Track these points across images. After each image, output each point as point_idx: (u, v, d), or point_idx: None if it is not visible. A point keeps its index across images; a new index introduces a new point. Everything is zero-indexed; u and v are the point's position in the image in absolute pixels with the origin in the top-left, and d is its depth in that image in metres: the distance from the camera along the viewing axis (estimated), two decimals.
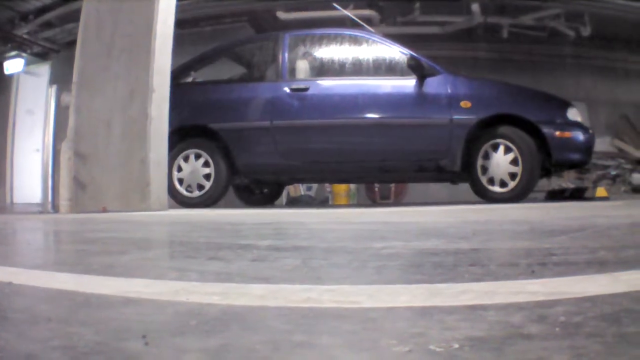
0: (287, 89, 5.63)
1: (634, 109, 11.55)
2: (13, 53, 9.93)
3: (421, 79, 5.46)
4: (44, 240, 2.45)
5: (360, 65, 5.75)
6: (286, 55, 5.79)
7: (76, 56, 5.05)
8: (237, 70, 6.68)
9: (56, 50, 10.03)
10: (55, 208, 4.85)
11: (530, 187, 5.33)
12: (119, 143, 4.82)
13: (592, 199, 5.64)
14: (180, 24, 7.37)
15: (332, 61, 5.90)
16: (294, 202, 8.84)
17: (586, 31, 9.33)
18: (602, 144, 10.55)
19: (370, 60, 5.73)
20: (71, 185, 4.77)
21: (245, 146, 5.68)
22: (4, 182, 10.44)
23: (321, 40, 6.02)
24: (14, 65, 10.07)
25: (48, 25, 9.32)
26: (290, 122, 5.60)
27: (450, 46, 10.23)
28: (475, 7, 8.59)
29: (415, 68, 5.44)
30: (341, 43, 5.95)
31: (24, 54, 9.97)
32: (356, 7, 8.78)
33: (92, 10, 5.10)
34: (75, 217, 4.02)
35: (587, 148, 5.54)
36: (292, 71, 5.78)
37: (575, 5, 8.77)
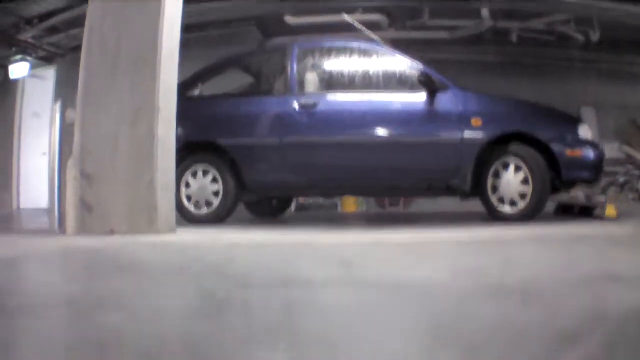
0: (296, 105, 5.59)
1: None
2: (18, 57, 9.87)
3: (432, 94, 5.42)
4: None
5: (370, 79, 5.70)
6: (295, 67, 5.75)
7: (80, 71, 4.95)
8: (244, 79, 6.63)
9: (61, 55, 9.99)
10: (62, 228, 4.83)
11: (540, 207, 5.32)
12: (126, 163, 4.72)
13: (601, 218, 5.58)
14: (187, 28, 7.29)
15: (341, 74, 5.86)
16: (302, 209, 8.82)
17: (595, 36, 9.24)
18: (610, 150, 10.51)
19: (380, 73, 5.70)
20: (77, 206, 4.72)
21: (253, 162, 5.66)
22: (10, 186, 10.44)
23: (330, 51, 5.97)
24: (19, 69, 10.03)
25: (53, 29, 9.25)
26: (299, 139, 5.58)
27: (458, 50, 10.18)
28: (484, 12, 8.47)
29: (426, 84, 5.41)
30: (350, 55, 5.89)
31: (28, 58, 9.91)
32: (365, 11, 8.63)
33: (95, 24, 4.96)
34: (86, 244, 3.97)
35: (596, 165, 5.52)
36: (301, 84, 5.74)
37: (586, 11, 8.64)
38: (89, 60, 4.92)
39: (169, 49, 4.79)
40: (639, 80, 11.42)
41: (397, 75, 5.62)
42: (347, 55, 5.89)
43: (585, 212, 5.97)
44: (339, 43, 6.04)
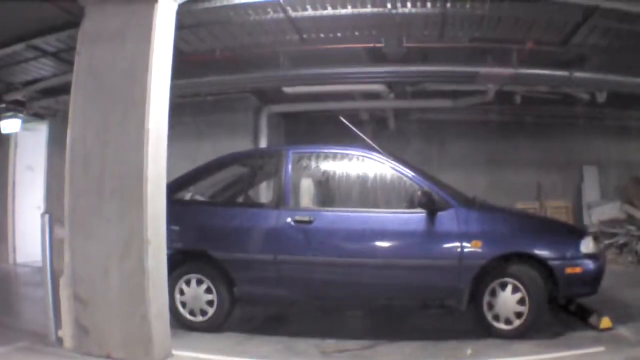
0: (291, 220, 5.46)
1: None
2: (9, 114, 9.73)
3: (432, 213, 5.30)
4: None
5: (368, 192, 5.60)
6: (289, 175, 5.62)
7: (65, 192, 4.83)
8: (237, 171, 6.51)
9: (52, 115, 9.86)
10: (59, 339, 4.79)
11: (535, 325, 5.25)
12: (118, 294, 4.64)
13: (596, 328, 5.48)
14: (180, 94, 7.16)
15: (338, 185, 5.75)
16: None
17: (602, 97, 9.01)
18: (611, 210, 10.37)
19: (379, 186, 5.58)
20: (74, 325, 4.67)
21: (247, 276, 5.56)
22: (6, 241, 10.31)
23: (326, 158, 5.84)
24: (10, 125, 9.89)
25: (43, 92, 9.11)
26: (293, 258, 5.45)
27: (460, 111, 10.07)
28: (490, 86, 8.25)
29: (427, 204, 5.28)
30: (348, 163, 5.76)
31: (20, 115, 9.77)
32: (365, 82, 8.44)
33: (77, 136, 4.78)
34: None
35: (596, 279, 5.44)
36: (296, 194, 5.62)
37: (600, 86, 8.44)
38: (74, 177, 4.79)
39: (155, 176, 4.61)
40: (639, 137, 11.32)
41: (397, 189, 5.51)
42: (345, 164, 5.77)
43: (581, 314, 5.90)
44: (335, 150, 5.87)
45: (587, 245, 5.42)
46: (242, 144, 6.59)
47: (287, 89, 8.65)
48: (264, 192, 7.35)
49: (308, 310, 6.44)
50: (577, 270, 5.27)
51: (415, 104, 9.21)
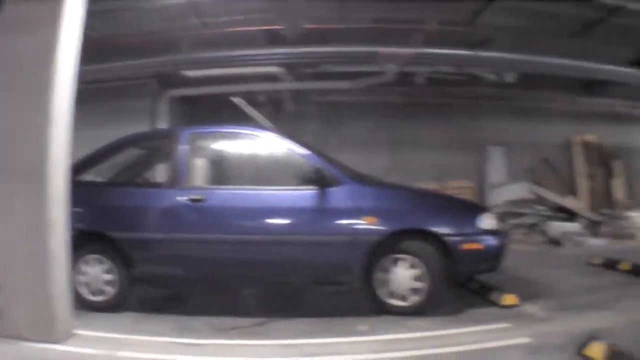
0: (184, 199, 5.41)
1: (556, 150, 11.56)
2: None
3: (324, 189, 5.27)
4: None
5: (261, 170, 5.59)
6: (184, 155, 5.59)
7: None
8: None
9: None
10: None
11: (434, 302, 5.24)
12: (25, 275, 4.61)
13: (498, 305, 5.50)
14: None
15: (232, 164, 5.74)
16: None
17: (510, 78, 9.14)
18: (519, 190, 10.52)
19: (272, 164, 5.56)
20: None
21: (144, 256, 5.50)
22: None
23: (221, 138, 5.85)
24: None
25: None
26: (188, 236, 5.38)
27: (360, 92, 9.98)
28: (390, 67, 8.22)
29: (318, 180, 5.26)
30: (242, 143, 5.75)
31: None
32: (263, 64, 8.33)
33: None
34: None
35: (496, 256, 5.44)
36: (190, 174, 5.57)
37: (507, 66, 8.52)
38: None
39: (60, 156, 4.62)
40: (552, 118, 11.58)
41: (290, 166, 5.46)
42: (238, 143, 5.78)
43: (483, 292, 5.90)
44: (229, 130, 5.87)
45: (485, 222, 5.43)
46: (145, 129, 6.44)
47: (188, 73, 8.56)
48: (163, 173, 7.31)
49: (205, 289, 6.41)
50: (476, 246, 5.28)
51: (312, 85, 9.13)
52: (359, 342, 4.53)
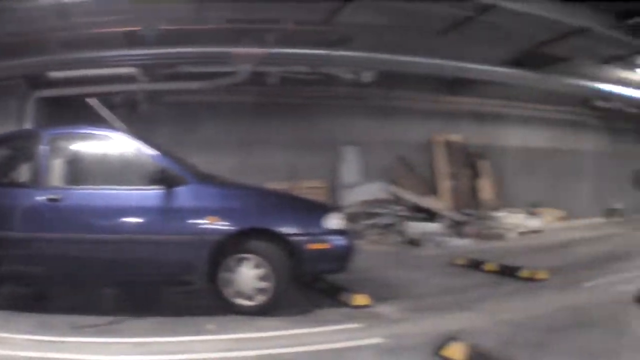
0: (42, 198, 5.41)
1: (417, 150, 11.77)
2: None
3: (170, 189, 5.35)
4: None
5: (113, 171, 5.66)
6: (44, 156, 5.58)
7: None
8: None
9: None
10: None
11: (280, 302, 5.37)
12: None
13: (349, 306, 5.62)
14: None
15: (86, 164, 5.79)
16: None
17: (367, 77, 9.36)
18: (374, 190, 10.69)
19: (122, 165, 5.64)
20: None
21: (8, 255, 5.40)
22: None
23: (78, 139, 5.89)
24: None
25: None
26: (46, 235, 5.38)
27: (215, 93, 10.01)
28: (242, 67, 8.33)
29: (163, 180, 5.34)
30: (97, 143, 5.83)
31: None
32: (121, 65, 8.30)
33: None
34: None
35: (344, 256, 5.60)
36: (50, 174, 5.56)
37: (365, 65, 8.70)
38: None
39: None
40: (414, 117, 11.83)
41: (138, 167, 5.52)
42: (92, 144, 5.84)
43: (332, 293, 6.00)
44: (83, 131, 5.94)
45: (332, 222, 5.58)
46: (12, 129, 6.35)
47: (52, 74, 8.55)
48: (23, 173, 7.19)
49: (67, 288, 6.39)
50: (321, 246, 5.42)
51: (167, 86, 9.18)
52: (208, 341, 4.60)
